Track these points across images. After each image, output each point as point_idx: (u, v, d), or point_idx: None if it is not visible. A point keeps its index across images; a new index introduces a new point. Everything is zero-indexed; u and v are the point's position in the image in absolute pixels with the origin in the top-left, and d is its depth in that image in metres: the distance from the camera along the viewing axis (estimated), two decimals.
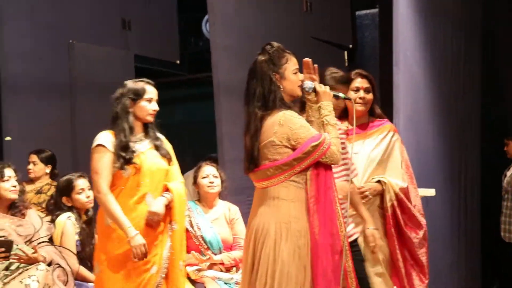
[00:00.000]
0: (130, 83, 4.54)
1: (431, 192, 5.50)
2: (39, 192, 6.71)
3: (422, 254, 4.54)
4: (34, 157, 6.89)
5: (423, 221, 4.62)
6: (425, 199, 5.56)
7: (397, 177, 4.55)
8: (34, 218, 5.33)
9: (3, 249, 4.86)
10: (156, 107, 4.49)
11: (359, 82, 4.76)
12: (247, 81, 4.07)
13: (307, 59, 4.00)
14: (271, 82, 3.96)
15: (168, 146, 4.58)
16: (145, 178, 4.40)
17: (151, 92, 4.50)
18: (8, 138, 7.29)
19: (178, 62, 9.62)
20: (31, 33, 7.70)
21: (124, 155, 4.37)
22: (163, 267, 4.38)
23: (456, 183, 6.77)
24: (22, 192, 5.32)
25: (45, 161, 6.92)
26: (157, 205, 4.39)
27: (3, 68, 7.39)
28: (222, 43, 6.86)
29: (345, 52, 8.64)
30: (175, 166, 4.58)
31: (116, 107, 4.51)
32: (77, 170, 6.99)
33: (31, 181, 6.77)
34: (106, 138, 4.43)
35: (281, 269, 3.84)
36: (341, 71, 4.50)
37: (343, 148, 4.10)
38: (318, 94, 3.97)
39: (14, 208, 5.23)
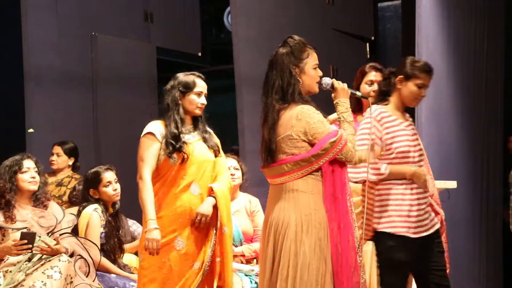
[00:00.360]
0: (182, 76, 4.55)
1: (452, 184, 5.46)
2: (59, 184, 6.73)
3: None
4: (58, 149, 6.91)
5: (440, 211, 4.58)
6: (446, 191, 5.54)
7: None
8: (56, 209, 5.34)
9: (25, 241, 4.87)
10: (204, 101, 4.51)
11: (373, 76, 4.78)
12: (266, 72, 4.06)
13: None
14: (291, 75, 3.95)
15: (216, 139, 4.60)
16: (191, 167, 4.42)
17: (201, 86, 4.51)
18: (31, 130, 7.32)
19: (199, 54, 9.63)
20: (54, 25, 7.72)
21: (174, 143, 4.38)
22: (206, 264, 4.38)
23: (478, 176, 6.73)
24: (44, 183, 5.32)
25: (69, 153, 6.94)
26: (205, 206, 4.39)
27: (27, 60, 7.41)
28: (243, 35, 6.86)
29: (367, 44, 8.60)
30: (222, 158, 4.60)
31: (167, 99, 4.51)
32: (99, 161, 7.05)
33: (53, 173, 6.79)
34: (156, 128, 4.45)
35: (303, 261, 3.83)
36: (422, 60, 4.49)
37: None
38: (336, 91, 3.97)
39: (36, 199, 5.24)
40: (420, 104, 6.01)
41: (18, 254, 4.86)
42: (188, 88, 4.48)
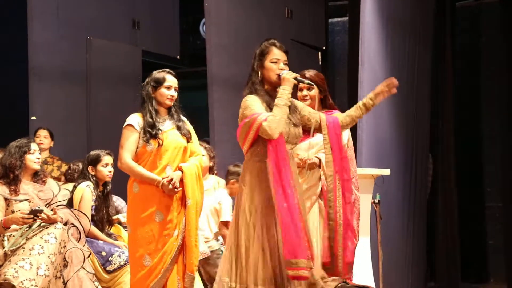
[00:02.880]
0: (154, 73, 4.52)
1: (386, 171, 5.53)
2: (45, 163, 6.70)
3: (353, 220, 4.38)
4: (45, 132, 6.87)
5: (354, 191, 4.30)
6: (381, 177, 5.60)
7: None
8: (53, 185, 5.33)
9: (31, 216, 4.86)
10: (173, 93, 4.44)
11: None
12: None
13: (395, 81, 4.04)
14: (252, 70, 3.94)
15: (189, 126, 4.54)
16: (166, 153, 4.38)
17: (170, 80, 4.45)
18: (33, 118, 7.27)
19: (178, 57, 9.61)
20: (55, 29, 7.67)
21: (150, 131, 4.36)
22: (181, 232, 4.35)
23: (408, 165, 6.81)
24: (43, 162, 5.31)
25: (50, 137, 6.93)
26: (170, 174, 4.34)
27: (31, 58, 7.36)
28: (215, 42, 6.87)
29: (319, 53, 8.64)
30: (194, 143, 4.53)
31: (142, 93, 4.49)
32: (90, 146, 7.01)
33: None
34: (134, 120, 4.43)
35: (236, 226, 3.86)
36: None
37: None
38: (281, 80, 3.84)
39: (37, 176, 5.23)
40: None
41: (23, 224, 4.85)
42: (158, 83, 4.45)
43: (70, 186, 5.60)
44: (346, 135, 4.32)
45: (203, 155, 5.66)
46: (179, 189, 4.32)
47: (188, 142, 4.48)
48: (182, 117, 4.54)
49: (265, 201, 3.77)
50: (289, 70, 3.90)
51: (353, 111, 4.00)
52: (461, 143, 7.77)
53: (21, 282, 4.66)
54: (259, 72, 3.90)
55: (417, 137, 6.96)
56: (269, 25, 7.58)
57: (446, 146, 7.54)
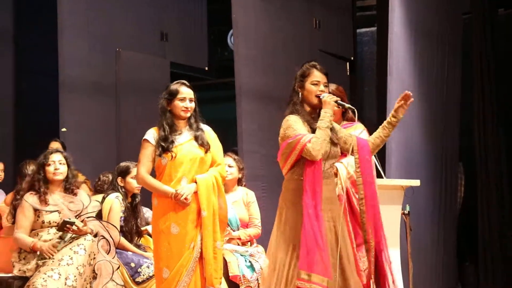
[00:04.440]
0: (169, 86, 4.51)
1: (416, 182, 5.46)
2: None
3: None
4: (57, 144, 6.85)
5: None
6: (411, 188, 5.54)
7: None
8: (84, 196, 5.36)
9: (54, 251, 4.90)
10: (188, 105, 4.42)
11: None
12: None
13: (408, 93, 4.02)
14: (293, 90, 4.00)
15: (210, 136, 4.50)
16: (181, 165, 4.37)
17: (184, 92, 4.44)
18: (64, 129, 7.33)
19: (206, 68, 9.62)
20: (85, 42, 7.73)
21: (163, 145, 4.36)
22: (198, 245, 4.33)
23: (438, 176, 6.75)
24: (73, 174, 5.33)
25: (64, 149, 6.94)
26: (184, 188, 4.34)
27: (61, 71, 7.42)
28: (243, 53, 6.87)
29: (347, 64, 8.60)
30: (216, 152, 4.49)
31: (159, 107, 4.49)
32: (120, 158, 7.03)
33: None
34: (150, 134, 4.45)
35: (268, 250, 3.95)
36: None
37: None
38: (323, 103, 3.93)
39: (67, 187, 5.26)
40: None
41: (48, 253, 4.88)
42: (172, 95, 4.44)
43: (99, 197, 5.62)
44: None
45: (231, 166, 5.67)
46: (189, 201, 4.30)
47: (206, 152, 4.44)
48: (203, 127, 4.51)
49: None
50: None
51: (381, 131, 4.06)
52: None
53: None
54: (300, 93, 3.98)
55: (446, 147, 6.90)
56: (297, 35, 7.57)
57: (480, 156, 7.38)
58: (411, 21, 6.37)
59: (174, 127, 4.43)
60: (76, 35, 7.61)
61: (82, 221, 5.06)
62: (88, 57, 7.76)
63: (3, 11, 8.38)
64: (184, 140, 4.42)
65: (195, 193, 4.34)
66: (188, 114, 4.44)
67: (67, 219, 4.97)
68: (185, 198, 4.29)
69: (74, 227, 4.95)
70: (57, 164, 5.19)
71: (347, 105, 4.06)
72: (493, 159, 7.33)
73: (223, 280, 5.32)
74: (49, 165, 5.19)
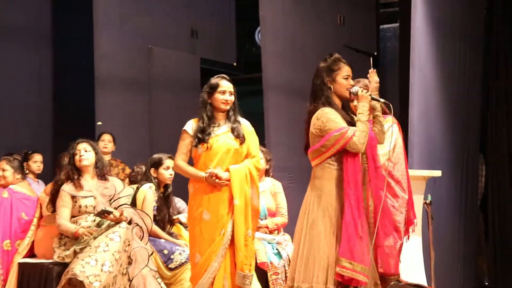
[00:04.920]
0: (210, 80, 4.55)
1: (438, 173, 5.46)
2: (109, 165, 6.80)
3: (398, 220, 4.39)
4: (108, 137, 6.98)
5: (400, 193, 4.43)
6: (433, 179, 5.54)
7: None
8: (116, 182, 5.44)
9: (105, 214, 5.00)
10: (228, 98, 4.46)
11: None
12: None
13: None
14: (323, 83, 3.99)
15: (247, 129, 4.52)
16: (216, 155, 4.40)
17: (224, 85, 4.48)
18: (99, 123, 7.40)
19: (235, 64, 9.66)
20: (119, 40, 7.79)
21: (199, 136, 4.41)
22: (228, 232, 4.36)
23: (459, 167, 6.71)
24: (102, 161, 5.41)
25: (114, 141, 7.04)
26: (220, 172, 4.37)
27: (97, 67, 7.49)
28: (270, 49, 6.88)
29: (371, 59, 8.57)
30: (252, 145, 4.51)
31: (200, 100, 4.53)
32: (152, 150, 7.09)
33: None
34: (189, 125, 4.50)
35: (311, 225, 3.91)
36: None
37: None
38: (358, 97, 3.97)
39: (98, 174, 5.35)
40: (412, 106, 6.06)
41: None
42: (213, 88, 4.47)
43: (133, 187, 5.68)
44: (388, 141, 4.31)
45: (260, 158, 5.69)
46: (222, 181, 4.32)
47: (241, 144, 4.47)
48: (241, 120, 4.54)
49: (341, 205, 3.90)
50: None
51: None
52: None
53: (87, 277, 4.75)
54: (332, 87, 3.99)
55: (467, 139, 6.86)
56: (322, 32, 7.56)
57: (500, 148, 7.35)
58: (433, 17, 6.34)
59: (213, 119, 4.47)
60: (111, 33, 7.67)
61: (117, 209, 5.14)
62: (121, 54, 7.82)
63: (43, 14, 8.48)
64: (221, 131, 4.45)
65: (228, 182, 4.37)
66: (228, 107, 4.48)
67: (105, 208, 5.05)
68: (217, 177, 4.30)
69: (111, 216, 5.04)
70: (83, 151, 5.30)
71: (382, 100, 4.06)
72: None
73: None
74: (76, 154, 5.30)
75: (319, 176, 3.96)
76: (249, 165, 4.45)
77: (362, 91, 3.96)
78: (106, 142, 6.95)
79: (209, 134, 4.41)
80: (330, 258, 3.83)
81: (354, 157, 3.87)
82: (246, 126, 4.54)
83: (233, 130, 4.46)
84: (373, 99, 4.00)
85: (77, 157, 5.29)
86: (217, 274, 4.31)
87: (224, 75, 4.56)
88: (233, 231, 4.35)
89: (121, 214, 5.08)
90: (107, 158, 6.88)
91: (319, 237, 3.88)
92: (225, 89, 4.47)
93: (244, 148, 4.48)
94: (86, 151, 5.30)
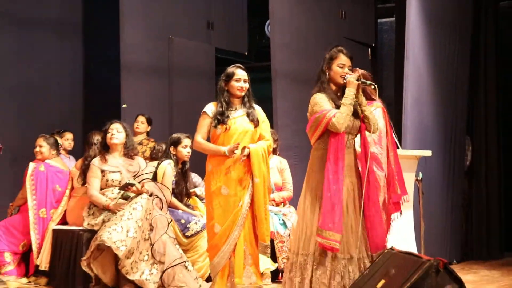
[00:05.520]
0: (227, 68, 4.53)
1: (428, 153, 5.45)
2: (140, 144, 6.82)
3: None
4: (142, 118, 7.00)
5: (377, 171, 4.27)
6: (423, 158, 5.53)
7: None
8: (141, 161, 5.48)
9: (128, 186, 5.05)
10: (243, 85, 4.44)
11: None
12: None
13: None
14: (321, 71, 3.99)
15: (260, 114, 4.51)
16: (233, 136, 4.40)
17: (239, 74, 4.46)
18: (124, 106, 7.41)
19: (246, 53, 9.63)
20: (142, 31, 7.77)
21: (219, 118, 4.40)
22: (245, 203, 4.35)
23: (447, 147, 6.70)
24: (132, 143, 5.43)
25: (148, 122, 7.04)
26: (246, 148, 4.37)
27: (123, 56, 7.47)
28: (278, 40, 6.86)
29: (369, 50, 8.53)
30: (264, 129, 4.50)
31: (218, 87, 4.53)
32: (171, 131, 7.11)
33: (134, 135, 6.87)
34: (209, 108, 4.49)
35: (301, 200, 3.98)
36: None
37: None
38: (347, 83, 3.91)
39: (126, 152, 5.38)
40: (406, 94, 6.04)
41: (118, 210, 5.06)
42: (229, 77, 4.46)
43: (154, 163, 5.71)
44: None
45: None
46: (240, 152, 4.30)
47: (255, 127, 4.46)
48: (255, 106, 4.53)
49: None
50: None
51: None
52: (500, 125, 7.54)
53: (114, 242, 4.79)
54: (327, 74, 3.97)
55: (455, 123, 6.84)
56: (325, 25, 7.53)
57: (484, 131, 7.35)
58: (426, 12, 6.30)
59: (230, 104, 4.46)
60: (135, 25, 7.66)
61: (139, 183, 5.17)
62: (145, 44, 7.80)
63: (75, 8, 8.49)
64: (238, 115, 4.45)
65: (248, 159, 4.35)
66: (243, 93, 4.47)
67: (128, 181, 5.09)
68: (236, 147, 4.28)
69: (134, 188, 5.08)
70: (115, 131, 5.32)
71: (369, 82, 4.00)
72: (494, 131, 7.35)
73: None
74: (108, 132, 5.33)
75: (312, 155, 3.97)
76: (264, 145, 4.45)
77: (351, 77, 3.90)
78: (139, 123, 6.97)
79: (228, 116, 4.41)
80: (313, 228, 3.82)
81: (336, 137, 3.82)
82: (259, 111, 4.55)
83: (248, 114, 4.46)
84: (362, 82, 3.93)
85: (108, 135, 5.32)
86: (238, 242, 4.31)
87: (240, 65, 4.55)
88: (250, 203, 4.35)
89: (142, 186, 5.12)
90: (141, 137, 6.91)
91: (305, 211, 3.89)
92: (240, 77, 4.46)
93: (258, 132, 4.49)
94: (118, 131, 5.32)
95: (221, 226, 4.34)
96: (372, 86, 3.99)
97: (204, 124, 4.46)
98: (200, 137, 4.44)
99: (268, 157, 4.46)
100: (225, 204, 4.36)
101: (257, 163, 4.35)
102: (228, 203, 4.36)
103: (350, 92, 3.88)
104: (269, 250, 4.39)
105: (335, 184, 3.76)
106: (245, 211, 4.35)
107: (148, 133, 7.03)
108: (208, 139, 4.49)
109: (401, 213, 4.10)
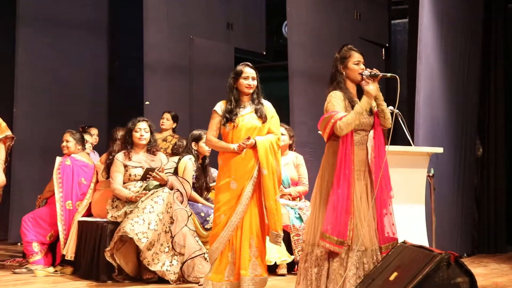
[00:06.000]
0: (236, 67, 4.50)
1: (440, 150, 5.39)
2: (164, 140, 6.82)
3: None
4: (167, 115, 6.99)
5: None
6: (435, 155, 5.47)
7: None
8: (163, 157, 5.47)
9: (150, 172, 5.06)
10: (251, 82, 4.39)
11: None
12: None
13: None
14: (337, 70, 3.90)
15: (269, 110, 4.45)
16: (241, 132, 4.37)
17: (248, 71, 4.42)
18: (147, 103, 7.42)
19: (264, 53, 9.60)
20: (165, 31, 7.77)
21: (227, 116, 4.38)
22: (246, 192, 4.29)
23: (458, 145, 6.65)
24: (155, 139, 5.43)
25: (173, 119, 7.03)
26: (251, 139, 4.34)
27: (146, 55, 7.49)
28: (295, 41, 6.83)
29: (383, 50, 8.48)
30: (273, 124, 4.44)
31: (227, 85, 4.50)
32: (192, 128, 7.11)
33: (160, 132, 6.87)
34: (219, 106, 4.46)
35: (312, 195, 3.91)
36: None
37: None
38: (366, 92, 3.78)
39: (149, 149, 5.37)
40: (419, 92, 5.98)
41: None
42: (237, 75, 4.42)
43: (176, 158, 5.71)
44: None
45: (283, 134, 5.66)
46: (247, 145, 4.27)
47: (263, 123, 4.41)
48: (264, 102, 4.48)
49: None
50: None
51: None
52: (508, 127, 7.49)
53: (136, 234, 4.80)
54: (344, 73, 3.88)
55: (466, 120, 6.78)
56: (341, 25, 7.48)
57: (494, 129, 7.27)
58: (438, 14, 6.24)
59: (239, 102, 4.43)
60: (158, 25, 7.67)
61: (160, 170, 5.17)
62: (167, 43, 7.81)
63: (101, 10, 8.52)
64: (246, 112, 4.42)
65: (255, 151, 4.33)
66: (251, 91, 4.43)
67: (149, 167, 5.09)
68: (246, 141, 4.27)
69: (154, 174, 5.07)
70: (143, 131, 5.30)
71: (389, 74, 3.90)
72: (503, 130, 7.30)
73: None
74: (136, 131, 5.30)
75: (327, 149, 3.89)
76: (271, 138, 4.41)
77: (370, 73, 3.79)
78: (165, 120, 6.96)
79: (236, 114, 4.38)
80: (320, 224, 3.76)
81: (345, 139, 3.72)
82: (268, 107, 4.49)
83: (256, 111, 4.42)
84: (381, 76, 3.81)
85: (137, 134, 5.28)
86: (243, 234, 4.27)
87: (248, 63, 4.50)
88: (252, 193, 4.31)
89: (162, 171, 5.13)
90: (166, 133, 6.90)
91: (319, 203, 3.82)
92: (248, 75, 4.42)
93: (266, 127, 4.44)
94: (145, 131, 5.31)
95: (225, 216, 4.31)
96: (393, 77, 3.86)
97: (214, 122, 4.44)
98: (211, 135, 4.43)
99: (276, 150, 4.42)
100: (232, 197, 4.33)
101: (264, 154, 4.31)
102: (234, 196, 4.33)
103: (365, 102, 3.78)
104: (280, 239, 4.34)
105: (341, 187, 3.70)
106: (245, 200, 4.29)
107: (174, 130, 7.03)
108: (220, 136, 4.47)
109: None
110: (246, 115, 4.41)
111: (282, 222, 5.28)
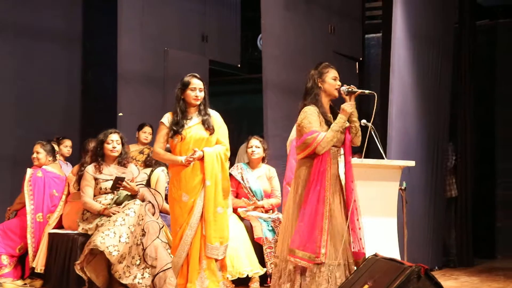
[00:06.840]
0: (183, 78, 4.49)
1: (412, 163, 5.43)
2: (141, 152, 6.76)
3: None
4: (149, 129, 6.87)
5: None
6: (407, 168, 5.52)
7: None
8: (134, 168, 5.42)
9: (120, 181, 5.01)
10: (198, 94, 4.41)
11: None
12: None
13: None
14: (314, 84, 3.94)
15: (216, 121, 4.47)
16: (190, 144, 4.38)
17: (195, 83, 4.43)
18: (120, 114, 7.37)
19: (239, 65, 9.61)
20: (139, 42, 7.74)
21: (174, 128, 4.38)
22: (197, 205, 4.34)
23: (430, 159, 6.70)
24: (126, 151, 5.38)
25: (153, 133, 6.96)
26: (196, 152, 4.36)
27: (120, 65, 7.43)
28: (270, 54, 6.86)
29: (357, 64, 8.56)
30: (221, 135, 4.46)
31: (175, 96, 4.50)
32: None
33: (137, 143, 6.80)
34: (165, 118, 4.49)
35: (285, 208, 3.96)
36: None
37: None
38: (342, 110, 3.88)
39: (120, 161, 5.33)
40: (391, 105, 6.04)
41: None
42: (185, 86, 4.44)
43: (147, 170, 5.67)
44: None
45: (258, 147, 5.68)
46: (194, 158, 4.30)
47: (211, 134, 4.42)
48: (211, 112, 4.48)
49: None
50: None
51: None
52: (477, 137, 7.70)
53: (107, 247, 4.75)
54: (321, 86, 3.92)
55: (439, 133, 6.87)
56: (315, 39, 7.53)
57: (464, 141, 7.39)
58: (411, 29, 6.33)
59: (185, 113, 4.42)
60: (132, 36, 7.63)
61: (130, 180, 5.12)
62: (141, 55, 7.77)
63: (74, 18, 8.44)
64: (193, 123, 4.43)
65: (202, 163, 4.32)
66: (198, 102, 4.44)
67: (118, 175, 5.04)
68: (193, 155, 4.28)
69: (124, 183, 5.02)
70: (115, 143, 5.26)
71: (367, 91, 3.99)
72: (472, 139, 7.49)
73: (248, 240, 5.36)
74: (108, 143, 5.25)
75: (298, 166, 3.92)
76: (220, 150, 4.42)
77: (348, 90, 3.90)
78: (147, 134, 6.83)
79: (182, 126, 4.38)
80: (289, 238, 3.80)
81: (319, 158, 3.81)
82: (216, 118, 4.50)
83: (203, 122, 4.43)
84: (361, 92, 3.92)
85: (109, 146, 5.22)
86: (193, 246, 4.30)
87: (196, 74, 4.51)
88: (203, 206, 4.33)
89: (132, 181, 5.08)
90: (143, 146, 6.81)
91: (287, 220, 3.86)
92: (195, 86, 4.43)
93: (214, 138, 4.44)
94: (118, 143, 5.26)
95: (180, 229, 4.35)
96: (371, 94, 3.96)
97: (162, 134, 4.45)
98: (158, 147, 4.44)
99: (224, 161, 4.43)
100: (185, 210, 4.36)
101: (210, 165, 4.32)
102: (186, 208, 4.36)
103: (341, 120, 3.86)
104: (216, 252, 4.34)
105: (313, 203, 3.74)
106: (198, 213, 4.32)
107: (150, 142, 6.95)
108: (169, 148, 4.47)
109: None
110: (193, 127, 4.41)
111: (256, 235, 5.30)
